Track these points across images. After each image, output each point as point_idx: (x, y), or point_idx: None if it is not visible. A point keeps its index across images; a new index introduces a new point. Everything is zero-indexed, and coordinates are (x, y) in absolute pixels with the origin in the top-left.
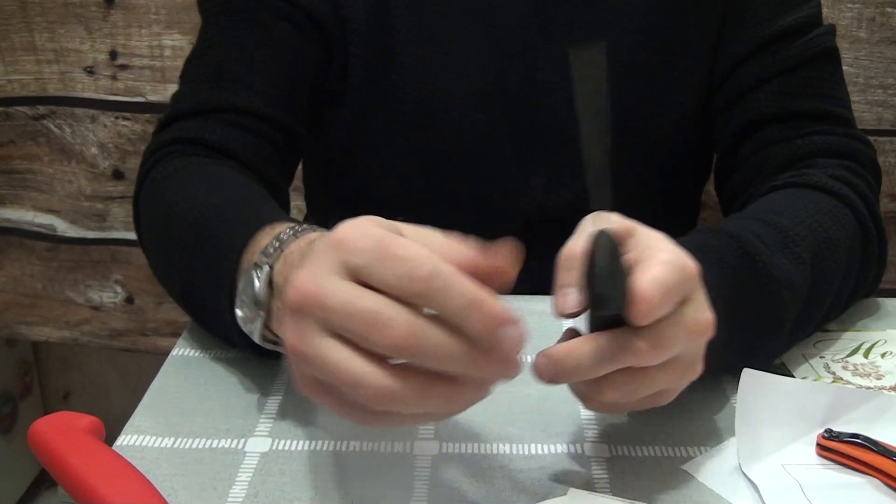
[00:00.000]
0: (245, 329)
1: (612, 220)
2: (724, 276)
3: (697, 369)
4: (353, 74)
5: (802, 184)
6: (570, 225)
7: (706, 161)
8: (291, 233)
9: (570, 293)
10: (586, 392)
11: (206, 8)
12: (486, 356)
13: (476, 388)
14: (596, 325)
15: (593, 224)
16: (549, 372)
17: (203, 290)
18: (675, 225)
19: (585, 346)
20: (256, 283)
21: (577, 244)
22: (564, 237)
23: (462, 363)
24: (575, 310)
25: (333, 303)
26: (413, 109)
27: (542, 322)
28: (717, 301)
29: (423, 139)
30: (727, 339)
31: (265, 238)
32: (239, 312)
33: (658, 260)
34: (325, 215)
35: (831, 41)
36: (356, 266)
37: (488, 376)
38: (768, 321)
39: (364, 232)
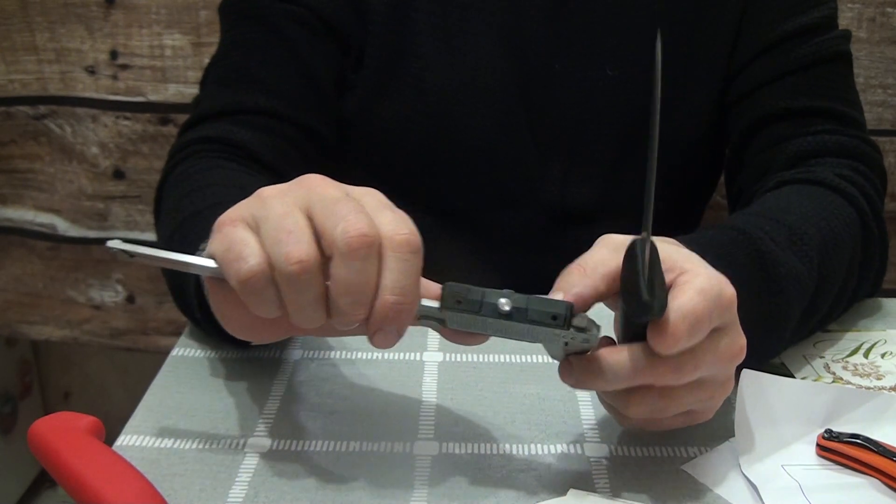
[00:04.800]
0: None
1: (620, 237)
2: (734, 274)
3: (728, 389)
4: (369, 64)
5: (809, 180)
6: (588, 218)
7: (720, 158)
8: None
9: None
10: (614, 406)
11: (224, 15)
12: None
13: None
14: (628, 336)
15: (610, 243)
16: (573, 377)
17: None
18: (682, 222)
19: (609, 357)
20: None
21: (599, 256)
22: (583, 231)
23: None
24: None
25: (269, 204)
26: (431, 99)
27: None
28: None
29: (441, 129)
30: None
31: None
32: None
33: (694, 287)
34: None
35: (845, 45)
36: (310, 202)
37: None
38: (774, 319)
39: (330, 182)
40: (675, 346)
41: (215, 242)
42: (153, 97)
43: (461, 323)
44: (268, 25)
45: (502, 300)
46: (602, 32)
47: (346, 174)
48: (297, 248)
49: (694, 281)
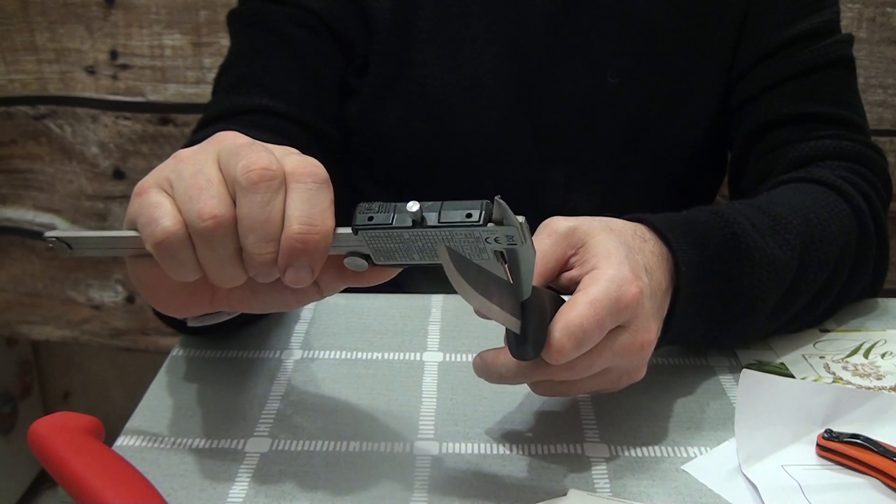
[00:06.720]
0: None
1: (563, 223)
2: (704, 253)
3: (636, 376)
4: (374, 71)
5: (806, 178)
6: None
7: (721, 162)
8: None
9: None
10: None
11: (231, 25)
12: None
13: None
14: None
15: (552, 232)
16: (481, 374)
17: None
18: None
19: (497, 359)
20: None
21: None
22: None
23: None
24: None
25: (183, 164)
26: (434, 106)
27: None
28: (691, 276)
29: (443, 135)
30: (701, 314)
31: None
32: None
33: (587, 297)
34: (336, 206)
35: (848, 50)
36: (218, 153)
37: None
38: (745, 300)
39: (236, 135)
40: (562, 359)
41: (131, 210)
42: (153, 97)
43: (381, 248)
44: (272, 30)
45: (411, 203)
46: (603, 39)
47: (349, 176)
48: (210, 203)
49: (590, 289)
